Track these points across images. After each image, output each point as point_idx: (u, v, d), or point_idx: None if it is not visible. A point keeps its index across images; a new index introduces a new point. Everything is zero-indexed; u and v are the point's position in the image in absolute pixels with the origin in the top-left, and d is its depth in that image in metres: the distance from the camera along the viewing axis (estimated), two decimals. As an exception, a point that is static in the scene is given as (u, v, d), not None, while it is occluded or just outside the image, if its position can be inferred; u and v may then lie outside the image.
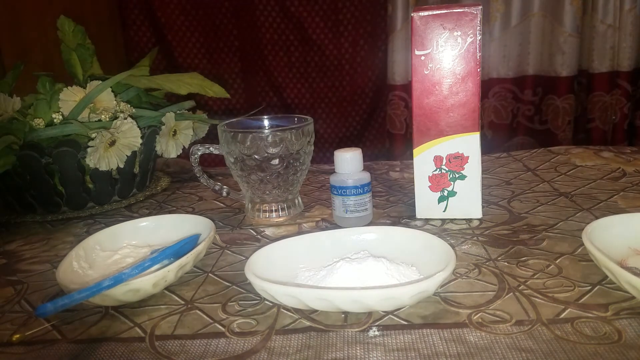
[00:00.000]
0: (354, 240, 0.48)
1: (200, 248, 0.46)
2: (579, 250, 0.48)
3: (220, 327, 0.39)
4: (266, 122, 0.63)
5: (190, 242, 0.48)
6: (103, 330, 0.40)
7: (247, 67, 1.70)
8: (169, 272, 0.43)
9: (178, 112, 0.72)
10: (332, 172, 0.58)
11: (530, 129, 1.66)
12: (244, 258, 0.51)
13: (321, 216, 0.61)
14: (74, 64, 0.71)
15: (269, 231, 0.58)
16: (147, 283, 0.41)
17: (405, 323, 0.38)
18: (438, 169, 0.55)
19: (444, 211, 0.57)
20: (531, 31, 1.55)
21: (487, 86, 1.61)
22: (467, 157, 0.54)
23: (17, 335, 0.39)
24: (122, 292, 0.41)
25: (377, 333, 0.37)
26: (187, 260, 0.44)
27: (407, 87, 1.59)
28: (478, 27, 0.51)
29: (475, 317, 0.38)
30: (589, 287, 0.42)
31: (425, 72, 0.53)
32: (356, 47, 1.66)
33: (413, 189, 0.57)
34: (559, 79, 1.56)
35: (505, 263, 0.47)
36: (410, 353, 0.35)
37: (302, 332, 0.38)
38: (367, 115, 1.74)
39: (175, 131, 0.71)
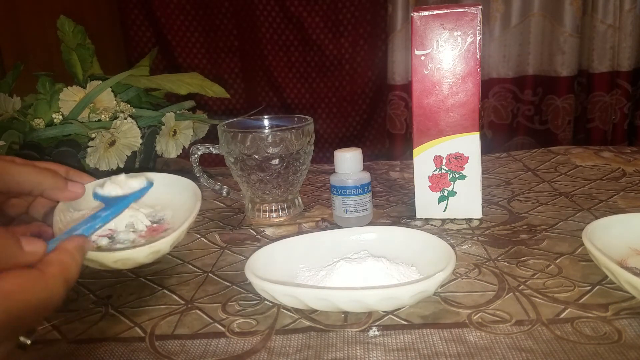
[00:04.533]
0: (354, 240, 0.48)
1: (191, 220, 0.45)
2: (579, 250, 0.48)
3: (220, 327, 0.39)
4: (266, 122, 0.63)
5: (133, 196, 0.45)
6: (103, 330, 0.40)
7: (247, 67, 1.70)
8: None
9: (178, 112, 0.72)
10: (332, 172, 0.58)
11: (530, 129, 1.66)
12: (244, 258, 0.51)
13: (321, 216, 0.61)
14: (74, 64, 0.71)
15: (269, 231, 0.58)
16: (165, 244, 0.42)
17: (405, 323, 0.38)
18: (438, 169, 0.55)
19: (444, 211, 0.57)
20: (531, 31, 1.55)
21: (487, 86, 1.61)
22: (467, 157, 0.54)
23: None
24: (145, 255, 0.42)
25: (377, 333, 0.37)
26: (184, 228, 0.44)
27: (407, 87, 1.59)
28: (478, 27, 0.51)
29: (475, 317, 0.38)
30: (589, 287, 0.42)
31: (425, 72, 0.53)
32: (356, 47, 1.66)
33: (413, 189, 0.57)
34: (559, 79, 1.56)
35: (505, 263, 0.47)
36: (410, 353, 0.35)
37: (302, 332, 0.38)
38: (367, 115, 1.74)
39: (175, 131, 0.71)
